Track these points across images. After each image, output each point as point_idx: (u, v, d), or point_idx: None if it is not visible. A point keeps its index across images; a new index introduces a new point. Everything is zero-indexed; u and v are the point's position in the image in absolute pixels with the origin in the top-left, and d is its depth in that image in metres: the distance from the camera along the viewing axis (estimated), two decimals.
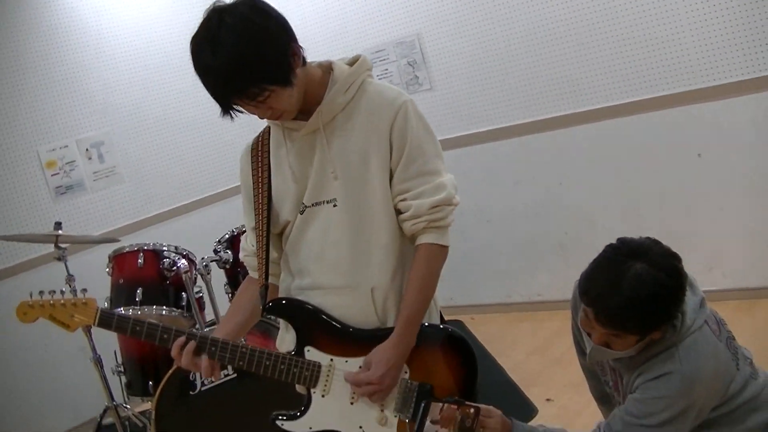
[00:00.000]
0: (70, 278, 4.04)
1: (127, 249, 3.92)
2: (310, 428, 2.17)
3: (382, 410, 2.13)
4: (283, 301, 2.23)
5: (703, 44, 4.33)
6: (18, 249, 4.95)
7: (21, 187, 5.02)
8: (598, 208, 4.92)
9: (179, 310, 3.83)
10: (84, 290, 2.29)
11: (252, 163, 2.27)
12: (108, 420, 4.35)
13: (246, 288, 2.35)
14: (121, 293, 3.83)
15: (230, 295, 3.91)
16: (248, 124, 2.66)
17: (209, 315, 4.00)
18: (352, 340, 2.15)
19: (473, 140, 5.22)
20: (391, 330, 2.13)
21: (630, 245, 2.19)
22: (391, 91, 2.16)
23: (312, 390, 2.15)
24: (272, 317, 3.08)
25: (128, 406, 4.24)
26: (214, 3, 2.04)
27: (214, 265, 3.82)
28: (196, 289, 3.90)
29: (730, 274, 4.56)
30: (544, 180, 5.09)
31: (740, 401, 2.28)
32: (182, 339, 2.14)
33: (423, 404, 2.08)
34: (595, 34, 4.64)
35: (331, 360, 2.15)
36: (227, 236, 3.93)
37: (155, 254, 3.86)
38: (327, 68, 2.17)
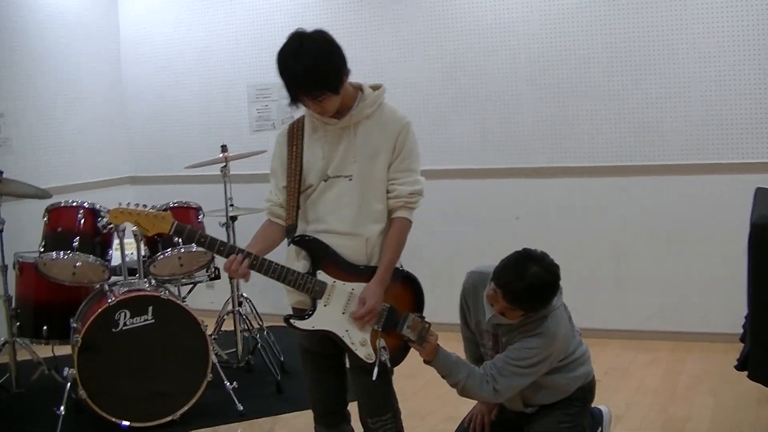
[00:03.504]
0: (1, 221, 4.59)
1: (64, 204, 4.54)
2: (313, 327, 3.06)
3: None
4: (307, 237, 3.10)
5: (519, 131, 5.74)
6: None
7: None
8: (455, 255, 5.98)
9: (104, 261, 4.50)
10: (163, 207, 3.07)
11: (288, 140, 3.16)
12: None
13: (267, 226, 3.19)
14: (58, 240, 4.43)
15: (146, 258, 4.62)
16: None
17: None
18: (348, 270, 3.07)
19: None
20: (373, 268, 3.07)
21: (531, 254, 3.20)
22: (399, 113, 3.15)
23: (318, 300, 3.04)
24: None
25: (24, 343, 4.71)
26: (297, 29, 2.98)
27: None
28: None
29: None
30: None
31: (573, 357, 3.41)
32: (234, 255, 2.98)
33: (404, 315, 3.06)
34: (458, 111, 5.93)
35: (334, 282, 3.06)
36: None
37: (93, 213, 4.51)
38: (357, 87, 3.11)
